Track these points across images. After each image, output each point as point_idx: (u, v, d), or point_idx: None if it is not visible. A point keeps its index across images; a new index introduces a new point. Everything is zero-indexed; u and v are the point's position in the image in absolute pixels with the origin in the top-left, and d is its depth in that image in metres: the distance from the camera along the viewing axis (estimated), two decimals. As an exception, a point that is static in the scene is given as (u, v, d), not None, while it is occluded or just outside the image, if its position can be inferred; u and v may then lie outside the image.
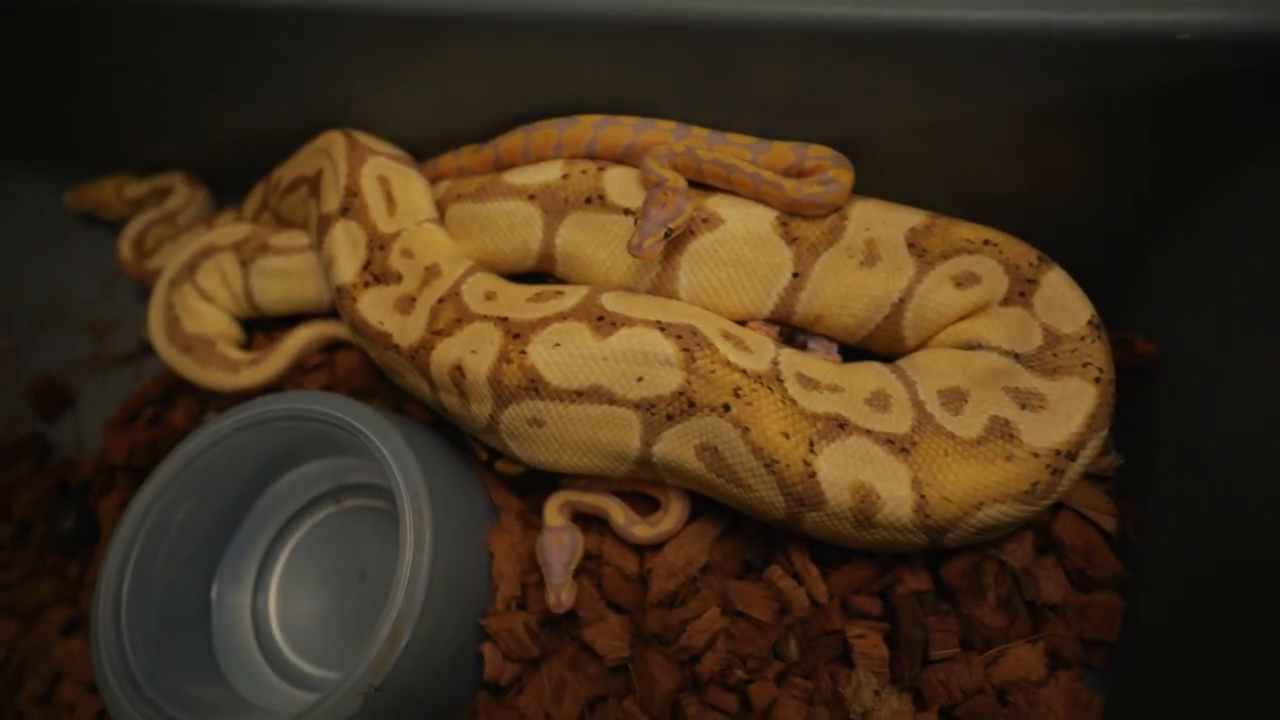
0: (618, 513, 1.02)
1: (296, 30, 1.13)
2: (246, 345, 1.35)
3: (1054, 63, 0.86)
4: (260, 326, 1.35)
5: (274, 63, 1.23)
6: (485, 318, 0.98)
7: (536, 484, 1.10)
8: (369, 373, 1.25)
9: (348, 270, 1.08)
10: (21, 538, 1.27)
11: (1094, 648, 0.94)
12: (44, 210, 1.67)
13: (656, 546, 1.01)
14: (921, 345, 1.00)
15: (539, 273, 1.12)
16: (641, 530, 1.01)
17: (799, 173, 1.00)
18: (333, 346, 1.29)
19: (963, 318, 0.96)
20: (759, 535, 1.02)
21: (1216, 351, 0.92)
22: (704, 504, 1.03)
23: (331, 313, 1.29)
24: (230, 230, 1.31)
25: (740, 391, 0.88)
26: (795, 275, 0.99)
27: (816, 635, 0.96)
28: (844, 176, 0.97)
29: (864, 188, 1.02)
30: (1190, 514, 0.91)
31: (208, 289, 1.28)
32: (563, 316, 0.94)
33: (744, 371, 0.89)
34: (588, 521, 1.06)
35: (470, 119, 1.19)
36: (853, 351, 1.04)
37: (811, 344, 1.04)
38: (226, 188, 1.55)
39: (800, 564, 0.98)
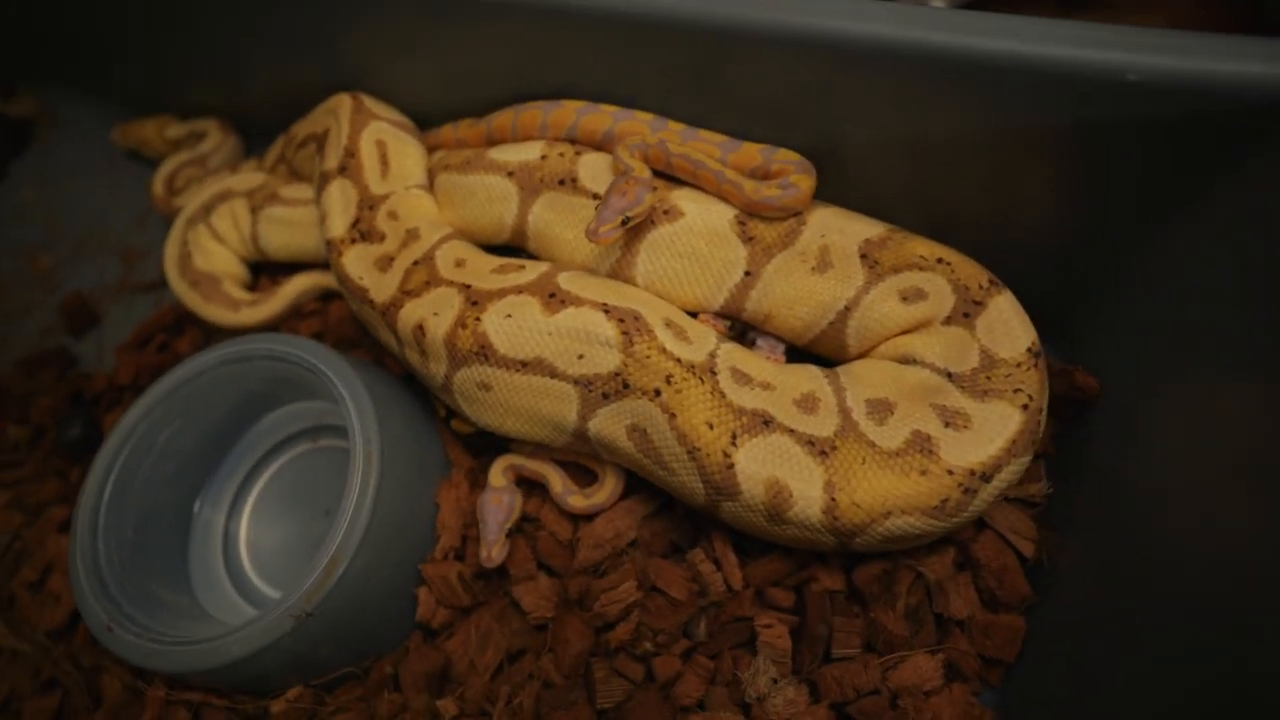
0: (556, 480, 1.07)
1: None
2: (252, 287, 1.43)
3: (1022, 93, 0.87)
4: (266, 271, 1.44)
5: (306, 24, 1.30)
6: (451, 283, 1.03)
7: (489, 445, 1.16)
8: (357, 324, 1.32)
9: (338, 225, 1.15)
10: (36, 440, 1.39)
11: (993, 666, 0.96)
12: (94, 143, 1.79)
13: (589, 517, 1.07)
14: (864, 354, 1.02)
15: (513, 246, 1.17)
16: (576, 500, 1.06)
17: (764, 175, 1.03)
18: (328, 296, 1.37)
19: (904, 332, 0.98)
20: (688, 519, 1.06)
21: (1150, 395, 0.92)
22: (639, 483, 1.07)
23: (329, 265, 1.36)
24: (247, 177, 1.39)
25: (672, 379, 0.92)
26: (747, 274, 1.02)
27: (727, 620, 1.00)
28: (804, 183, 0.99)
29: (832, 194, 1.05)
30: (1103, 550, 0.92)
31: (220, 230, 1.37)
32: (519, 290, 0.99)
33: (678, 360, 0.93)
34: (531, 486, 1.12)
35: (472, 94, 1.24)
36: (799, 353, 1.07)
37: (760, 342, 1.07)
38: (258, 138, 1.64)
39: (721, 551, 1.02)
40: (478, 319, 0.98)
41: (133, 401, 1.26)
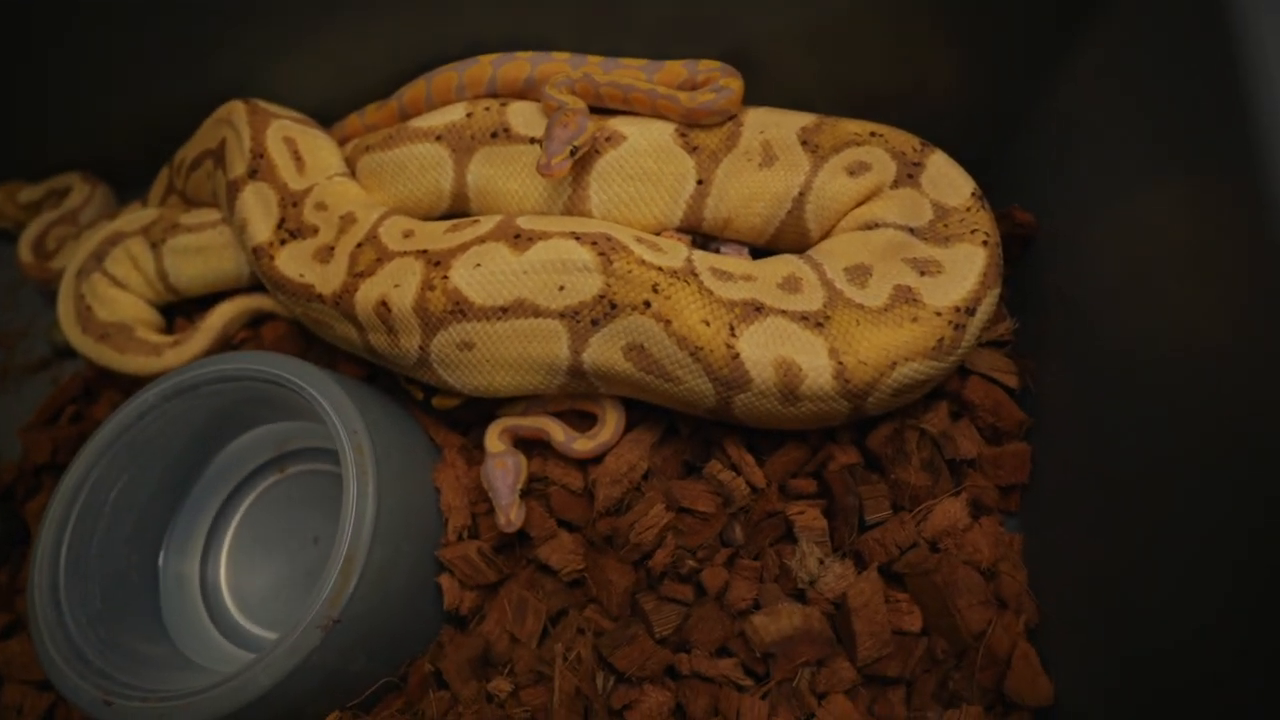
0: (557, 431, 1.04)
1: (183, 7, 1.13)
2: (167, 332, 1.32)
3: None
4: (180, 312, 1.33)
5: (168, 47, 1.22)
6: (405, 253, 0.99)
7: (475, 418, 1.12)
8: (297, 340, 1.24)
9: (262, 230, 1.08)
10: (-57, 555, 1.22)
11: (1009, 493, 1.01)
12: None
13: (598, 459, 1.04)
14: (825, 236, 1.06)
15: (454, 214, 1.14)
16: (581, 444, 1.03)
17: (691, 87, 1.05)
18: (257, 320, 1.28)
19: (859, 203, 1.03)
20: (695, 436, 1.06)
21: (1084, 218, 1.00)
22: (639, 413, 1.06)
23: (252, 287, 1.28)
24: (136, 216, 1.28)
25: (658, 287, 0.92)
26: (699, 182, 1.04)
27: (759, 519, 1.00)
28: (734, 84, 1.02)
29: (754, 98, 1.08)
30: (1076, 362, 0.99)
31: (119, 275, 1.25)
32: (481, 240, 0.97)
33: (660, 269, 0.93)
34: (529, 446, 1.09)
35: (371, 76, 1.20)
36: (763, 254, 1.09)
37: (724, 249, 1.08)
38: (128, 184, 1.52)
39: (737, 455, 1.02)
40: (445, 277, 0.95)
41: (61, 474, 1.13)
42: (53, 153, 1.50)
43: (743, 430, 1.03)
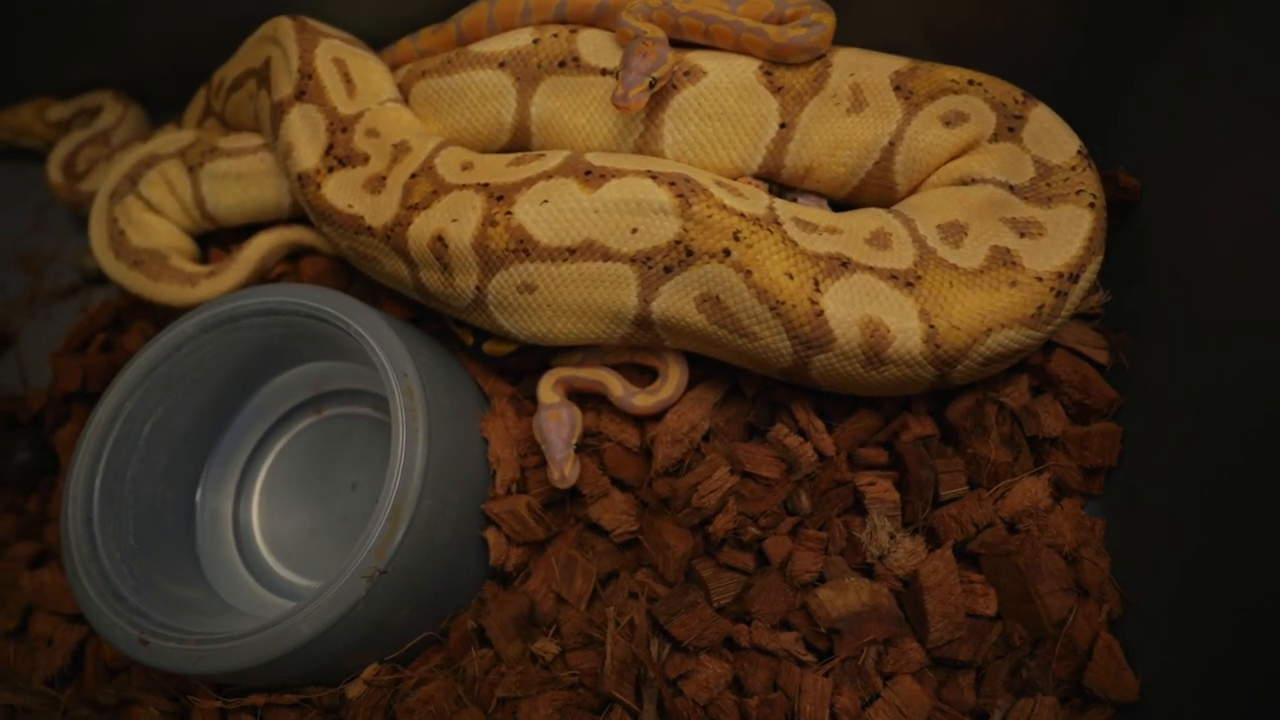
0: (615, 384, 0.99)
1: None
2: (202, 263, 1.26)
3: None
4: (216, 241, 1.27)
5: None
6: (464, 186, 0.93)
7: (528, 367, 1.06)
8: (338, 276, 1.19)
9: (309, 156, 1.02)
10: (-30, 481, 1.18)
11: (1094, 475, 0.95)
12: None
13: (657, 416, 0.99)
14: (913, 191, 0.98)
15: (514, 148, 1.07)
16: (641, 400, 0.98)
17: (779, 20, 0.97)
18: (296, 254, 1.22)
19: (954, 157, 0.95)
20: (760, 398, 1.00)
21: (1195, 185, 0.92)
22: (701, 370, 1.00)
23: (293, 218, 1.21)
24: (173, 137, 1.22)
25: (740, 235, 0.85)
26: (782, 126, 0.96)
27: (827, 488, 0.95)
28: (826, 19, 0.94)
29: (842, 39, 1.00)
30: (1184, 336, 0.92)
31: (153, 200, 1.19)
32: (548, 175, 0.90)
33: (742, 215, 0.86)
34: (583, 400, 1.03)
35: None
36: (841, 209, 1.02)
37: (801, 200, 1.01)
38: (161, 105, 1.45)
39: (805, 420, 0.96)
40: (509, 213, 0.88)
41: (90, 409, 1.09)
42: (82, 69, 1.43)
43: (812, 393, 0.97)
